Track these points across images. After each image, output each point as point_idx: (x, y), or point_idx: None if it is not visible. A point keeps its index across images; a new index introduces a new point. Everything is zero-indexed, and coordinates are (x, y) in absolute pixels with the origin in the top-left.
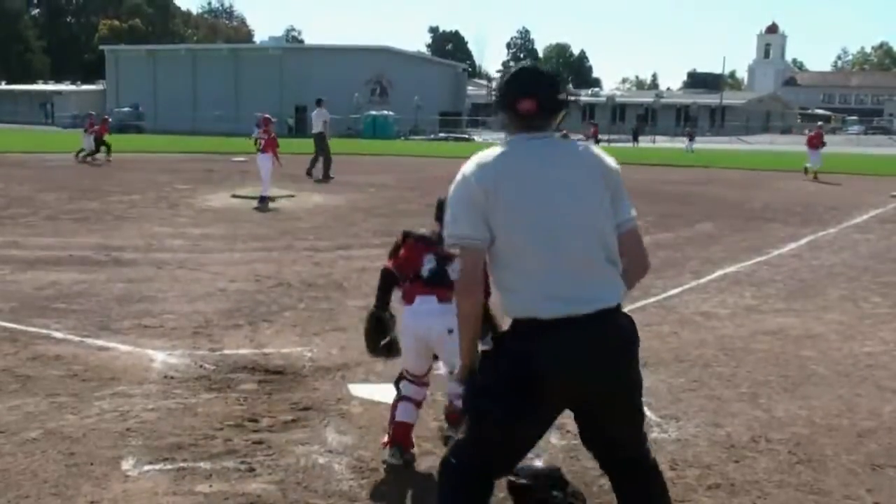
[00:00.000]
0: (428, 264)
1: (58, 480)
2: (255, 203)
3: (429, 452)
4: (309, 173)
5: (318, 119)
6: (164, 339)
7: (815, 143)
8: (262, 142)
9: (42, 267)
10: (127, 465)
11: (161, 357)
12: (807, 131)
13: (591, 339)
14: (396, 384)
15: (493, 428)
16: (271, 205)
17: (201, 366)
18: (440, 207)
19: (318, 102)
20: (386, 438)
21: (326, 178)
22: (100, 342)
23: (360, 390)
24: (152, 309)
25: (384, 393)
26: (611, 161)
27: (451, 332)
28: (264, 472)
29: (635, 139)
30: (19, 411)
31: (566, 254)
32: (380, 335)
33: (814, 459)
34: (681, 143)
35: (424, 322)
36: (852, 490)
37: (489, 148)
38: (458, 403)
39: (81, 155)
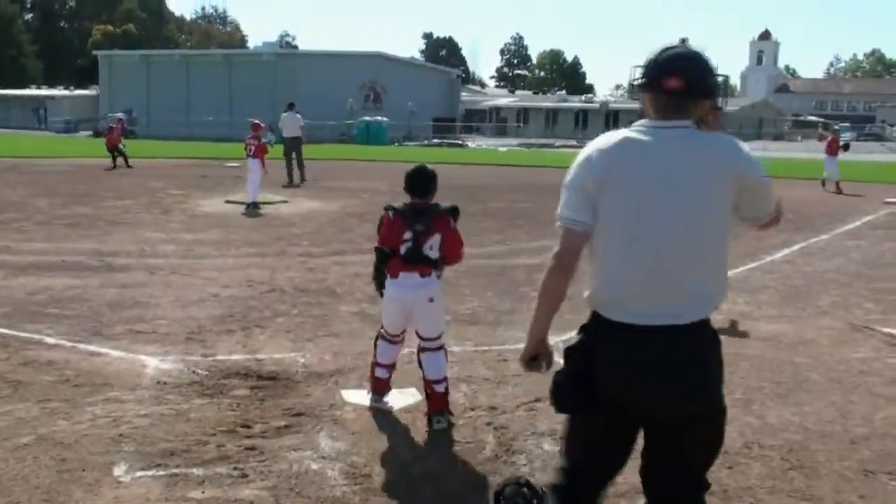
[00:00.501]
0: (406, 243)
1: (49, 486)
2: (243, 209)
3: (422, 457)
4: (291, 180)
5: (294, 123)
6: (156, 344)
7: (832, 149)
8: (252, 148)
9: (34, 272)
10: (119, 471)
11: (154, 363)
12: (818, 139)
13: (647, 353)
14: (375, 342)
15: (578, 420)
16: (264, 210)
17: (194, 371)
18: (407, 180)
19: (291, 106)
20: (369, 391)
21: (303, 179)
22: (92, 347)
23: (352, 396)
24: (145, 314)
25: (378, 399)
26: (747, 158)
27: (431, 300)
28: (257, 478)
29: None
30: (11, 417)
31: (649, 258)
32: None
33: (806, 465)
34: None
35: (409, 294)
36: (844, 496)
37: (616, 131)
38: (438, 388)
39: (118, 163)
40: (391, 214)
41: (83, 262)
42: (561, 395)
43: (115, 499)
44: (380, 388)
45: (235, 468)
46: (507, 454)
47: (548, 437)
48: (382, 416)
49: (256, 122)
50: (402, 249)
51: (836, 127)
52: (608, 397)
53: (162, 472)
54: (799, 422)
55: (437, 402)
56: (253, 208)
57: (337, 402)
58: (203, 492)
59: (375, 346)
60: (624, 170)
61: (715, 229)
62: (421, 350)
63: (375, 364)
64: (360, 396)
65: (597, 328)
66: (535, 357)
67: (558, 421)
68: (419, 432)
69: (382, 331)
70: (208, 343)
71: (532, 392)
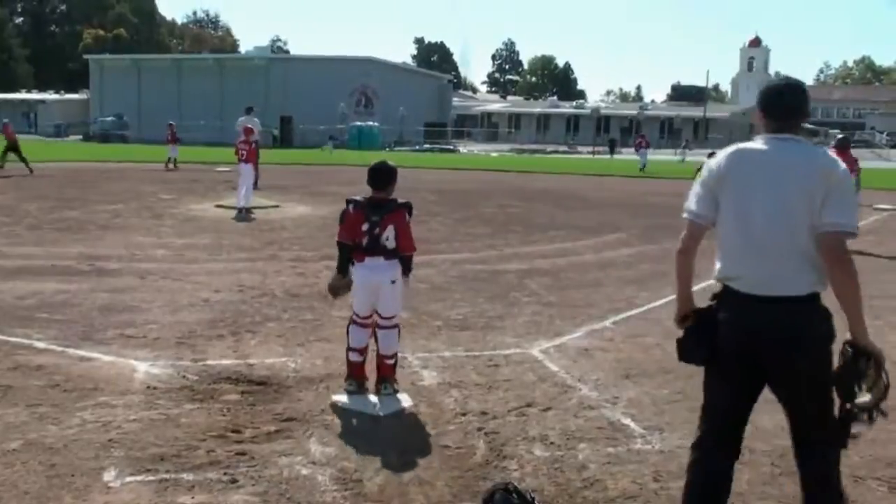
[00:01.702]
0: (365, 236)
1: (39, 492)
2: (234, 213)
3: (413, 462)
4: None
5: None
6: (147, 349)
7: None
8: (244, 152)
9: (24, 276)
10: (109, 476)
11: (144, 367)
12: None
13: (761, 318)
14: (347, 329)
15: (709, 381)
16: (254, 215)
17: (184, 376)
18: (368, 174)
19: (249, 110)
20: (346, 376)
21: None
22: (82, 352)
23: (343, 401)
24: (135, 319)
25: (368, 403)
26: (835, 167)
27: (393, 282)
28: (247, 483)
29: (612, 151)
30: (0, 422)
31: (757, 241)
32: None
33: (797, 471)
34: (663, 155)
35: (375, 276)
36: None
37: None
38: (388, 361)
39: (170, 165)
40: (351, 208)
41: (73, 266)
42: (685, 348)
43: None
44: (355, 372)
45: (226, 473)
46: (497, 459)
47: (538, 443)
48: (373, 421)
49: (249, 126)
50: (363, 240)
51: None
52: (728, 351)
53: (152, 478)
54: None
55: (384, 371)
56: (245, 213)
57: (328, 408)
58: (193, 497)
59: (348, 332)
60: (740, 169)
61: (806, 219)
62: (378, 327)
63: (348, 349)
64: (351, 401)
65: (723, 296)
66: (686, 317)
67: (549, 426)
68: (410, 438)
69: (353, 316)
70: (199, 348)
71: (523, 397)
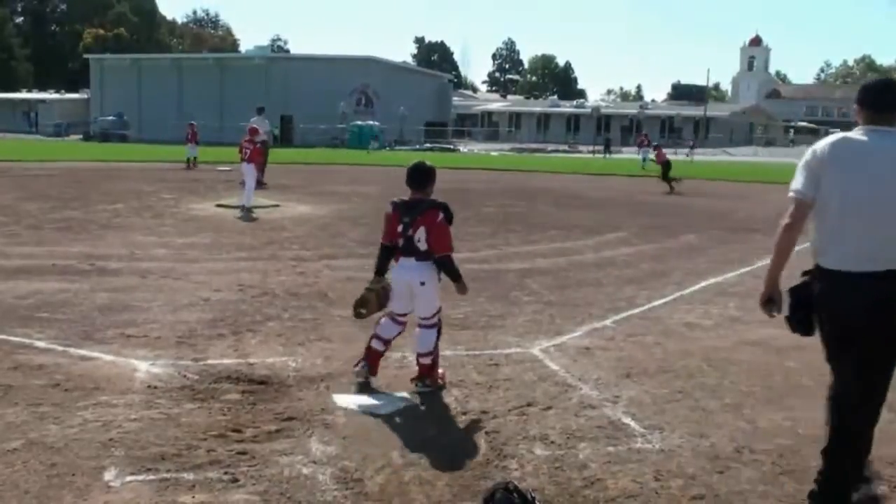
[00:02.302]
0: (401, 237)
1: (39, 491)
2: (238, 212)
3: (413, 462)
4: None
5: (263, 127)
6: (147, 348)
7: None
8: (248, 151)
9: (25, 276)
10: (109, 475)
11: (144, 367)
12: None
13: (869, 292)
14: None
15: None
16: (255, 214)
17: (185, 375)
18: (406, 175)
19: (261, 110)
20: (360, 360)
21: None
22: (83, 352)
23: (344, 400)
24: (136, 318)
25: (369, 403)
26: None
27: (423, 283)
28: (248, 482)
29: (607, 150)
30: (1, 421)
31: (863, 221)
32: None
33: (797, 470)
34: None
35: (406, 275)
36: None
37: (839, 134)
38: (423, 360)
39: (191, 164)
40: (391, 209)
41: (74, 265)
42: (790, 320)
43: (106, 503)
44: (370, 358)
45: (226, 473)
46: (498, 459)
47: (539, 442)
48: (374, 420)
49: (254, 126)
50: (400, 241)
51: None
52: (835, 324)
53: (152, 477)
54: (790, 427)
55: (420, 370)
56: (247, 212)
57: (328, 407)
58: (194, 496)
59: (380, 321)
60: (842, 155)
61: None
62: (418, 325)
63: (373, 336)
64: (351, 400)
65: (818, 273)
66: (770, 300)
67: (550, 426)
68: (410, 437)
69: (391, 312)
70: (199, 347)
71: (523, 396)
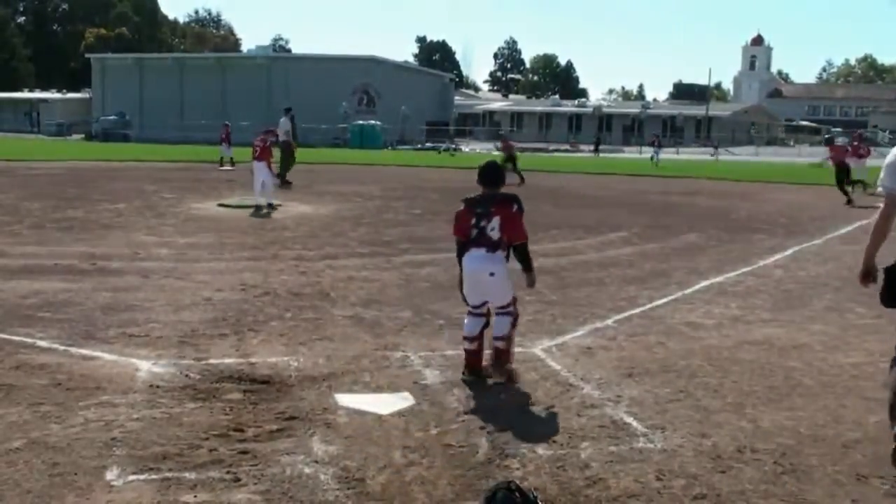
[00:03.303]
0: (473, 229)
1: (41, 491)
2: (246, 212)
3: (415, 462)
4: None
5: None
6: (149, 348)
7: (859, 153)
8: (258, 150)
9: (27, 275)
10: (111, 475)
11: (146, 366)
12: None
13: None
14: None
15: None
16: (255, 214)
17: (187, 375)
18: (478, 173)
19: (288, 111)
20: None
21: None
22: (85, 351)
23: (346, 400)
24: (138, 318)
25: (370, 402)
26: None
27: (492, 274)
28: (250, 481)
29: (597, 149)
30: (2, 421)
31: None
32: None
33: (799, 470)
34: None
35: (476, 266)
36: (837, 501)
37: None
38: (498, 344)
39: (225, 166)
40: (462, 206)
41: (76, 265)
42: (883, 296)
43: (108, 503)
44: (469, 361)
45: (228, 472)
46: (500, 458)
47: (541, 441)
48: (375, 420)
49: (271, 129)
50: (472, 233)
51: (859, 131)
52: None
53: (154, 476)
54: (792, 426)
55: (494, 355)
56: (264, 209)
57: (330, 406)
58: (195, 496)
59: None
60: None
61: None
62: (495, 313)
63: (463, 338)
64: (353, 400)
65: None
66: (868, 273)
67: (551, 425)
68: (412, 436)
69: (468, 308)
70: (201, 347)
71: (525, 396)
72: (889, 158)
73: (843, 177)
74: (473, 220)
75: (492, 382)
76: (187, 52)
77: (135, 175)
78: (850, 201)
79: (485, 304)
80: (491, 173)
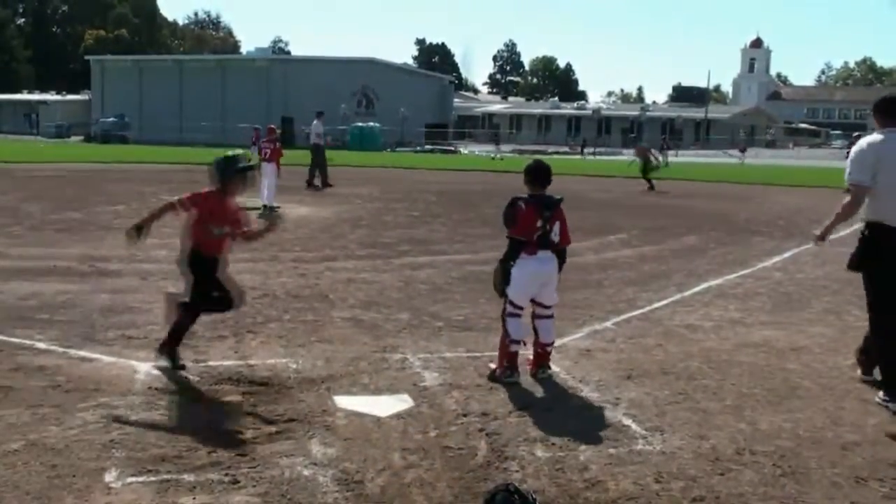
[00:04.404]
0: (538, 230)
1: (40, 492)
2: (259, 212)
3: (414, 464)
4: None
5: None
6: (148, 349)
7: None
8: (268, 151)
9: (25, 277)
10: (110, 476)
11: (145, 368)
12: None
13: None
14: (504, 323)
15: (885, 271)
16: (255, 215)
17: (186, 377)
18: (532, 173)
19: (320, 114)
20: (496, 366)
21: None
22: (83, 353)
23: (345, 402)
24: (137, 320)
25: (369, 404)
26: None
27: (558, 272)
28: (248, 484)
29: (582, 151)
30: (1, 422)
31: None
32: (506, 281)
33: (798, 472)
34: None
35: (546, 267)
36: (836, 503)
37: (874, 135)
38: (549, 349)
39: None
40: (523, 205)
41: (75, 267)
42: (853, 260)
43: None
44: (515, 362)
45: (227, 474)
46: (499, 460)
47: (540, 444)
48: (374, 422)
49: (272, 126)
50: (535, 235)
51: (856, 133)
52: (888, 261)
53: (153, 478)
54: (791, 428)
55: (544, 358)
56: (269, 210)
57: (329, 408)
58: (194, 498)
59: (506, 325)
60: (889, 151)
61: None
62: (537, 317)
63: (511, 341)
64: (352, 402)
65: (871, 229)
66: (823, 238)
67: (550, 427)
68: (411, 439)
69: (511, 308)
70: (200, 349)
71: (524, 398)
72: (851, 155)
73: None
74: (539, 223)
75: (491, 385)
76: (187, 53)
77: (134, 177)
78: (651, 188)
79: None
80: (547, 173)
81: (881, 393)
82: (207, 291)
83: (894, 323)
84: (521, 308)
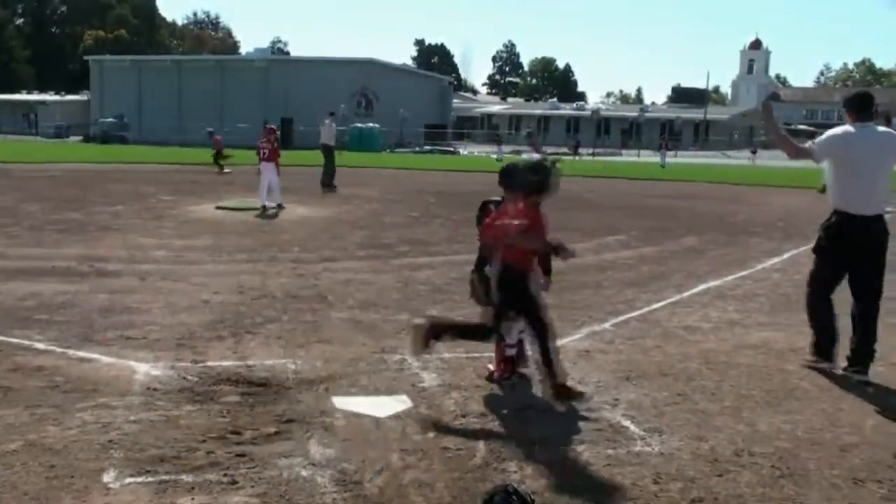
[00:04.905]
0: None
1: (38, 493)
2: (244, 214)
3: (413, 464)
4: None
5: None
6: (147, 350)
7: None
8: (266, 151)
9: (24, 277)
10: (108, 477)
11: (144, 369)
12: None
13: (865, 226)
14: (493, 328)
15: (831, 254)
16: (254, 216)
17: (184, 377)
18: (502, 175)
19: (332, 115)
20: (494, 369)
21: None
22: (82, 353)
23: (343, 403)
24: (135, 320)
25: (368, 405)
26: None
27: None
28: (247, 484)
29: (575, 152)
30: (0, 423)
31: (866, 184)
32: (488, 289)
33: (796, 473)
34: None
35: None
36: None
37: (840, 126)
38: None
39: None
40: (493, 208)
41: (73, 267)
42: (818, 247)
43: None
44: (512, 366)
45: (225, 475)
46: (497, 461)
47: (538, 444)
48: (373, 423)
49: (271, 126)
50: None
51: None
52: (836, 246)
53: (151, 479)
54: (789, 430)
55: (517, 363)
56: (278, 208)
57: (328, 409)
58: (193, 498)
59: (500, 332)
60: (849, 141)
61: (889, 171)
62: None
63: (507, 346)
64: (350, 403)
65: (838, 216)
66: (776, 140)
67: (549, 428)
68: (410, 439)
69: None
70: (199, 349)
71: (523, 399)
72: (830, 132)
73: None
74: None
75: (489, 386)
76: (186, 54)
77: (132, 177)
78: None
79: None
80: (521, 176)
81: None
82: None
83: (816, 297)
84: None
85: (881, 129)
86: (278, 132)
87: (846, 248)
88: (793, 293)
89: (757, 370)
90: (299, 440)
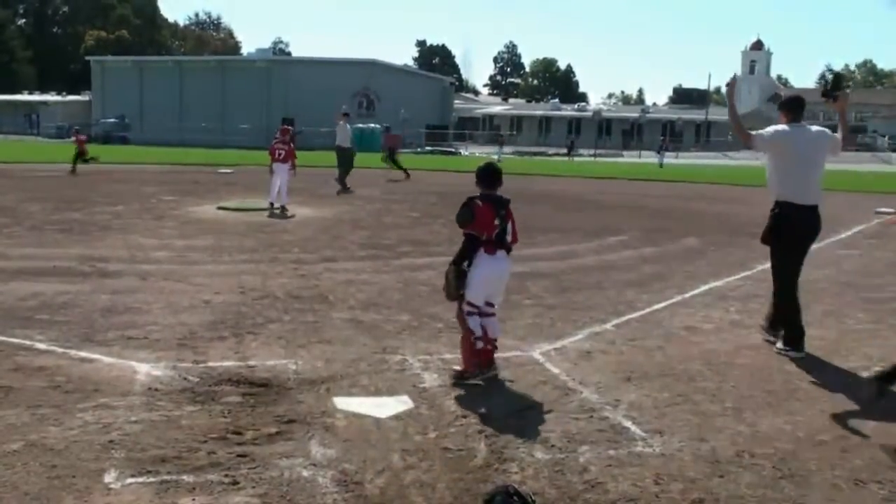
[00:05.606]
0: (496, 228)
1: (39, 493)
2: (245, 214)
3: (413, 465)
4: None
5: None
6: (148, 350)
7: None
8: (283, 152)
9: (25, 277)
10: (109, 477)
11: (145, 369)
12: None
13: (808, 215)
14: (464, 322)
15: (785, 244)
16: (254, 217)
17: (185, 378)
18: (482, 174)
19: (346, 116)
20: (462, 367)
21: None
22: (83, 353)
23: (344, 403)
24: (136, 320)
25: (369, 406)
26: (829, 133)
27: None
28: (248, 485)
29: (570, 153)
30: (0, 423)
31: (805, 177)
32: (461, 284)
33: (797, 474)
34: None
35: (503, 266)
36: None
37: (780, 125)
38: (497, 344)
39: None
40: (480, 203)
41: (75, 267)
42: (766, 237)
43: None
44: (488, 358)
45: (226, 475)
46: (498, 462)
47: (539, 445)
48: (374, 423)
49: (286, 126)
50: (494, 233)
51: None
52: (792, 234)
53: (152, 479)
54: (790, 430)
55: (491, 355)
56: (281, 210)
57: (329, 409)
58: (194, 499)
59: (467, 324)
60: (789, 139)
61: (823, 166)
62: (485, 315)
63: (476, 339)
64: (351, 403)
65: (781, 207)
66: (732, 125)
67: (550, 429)
68: (411, 440)
69: (469, 307)
70: (200, 349)
71: (524, 400)
72: (773, 127)
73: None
74: (497, 221)
75: (490, 387)
76: (187, 54)
77: (134, 177)
78: (407, 176)
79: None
80: (496, 175)
81: (779, 343)
82: None
83: (784, 286)
84: (477, 307)
85: (815, 127)
86: (293, 132)
87: (791, 234)
88: None
89: (758, 371)
90: (300, 440)
